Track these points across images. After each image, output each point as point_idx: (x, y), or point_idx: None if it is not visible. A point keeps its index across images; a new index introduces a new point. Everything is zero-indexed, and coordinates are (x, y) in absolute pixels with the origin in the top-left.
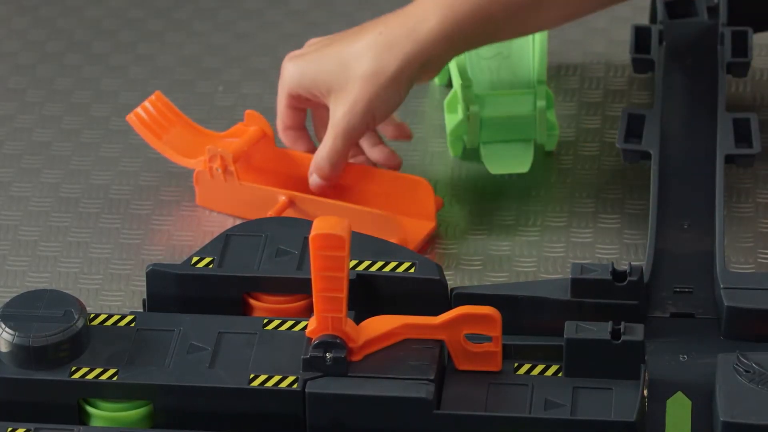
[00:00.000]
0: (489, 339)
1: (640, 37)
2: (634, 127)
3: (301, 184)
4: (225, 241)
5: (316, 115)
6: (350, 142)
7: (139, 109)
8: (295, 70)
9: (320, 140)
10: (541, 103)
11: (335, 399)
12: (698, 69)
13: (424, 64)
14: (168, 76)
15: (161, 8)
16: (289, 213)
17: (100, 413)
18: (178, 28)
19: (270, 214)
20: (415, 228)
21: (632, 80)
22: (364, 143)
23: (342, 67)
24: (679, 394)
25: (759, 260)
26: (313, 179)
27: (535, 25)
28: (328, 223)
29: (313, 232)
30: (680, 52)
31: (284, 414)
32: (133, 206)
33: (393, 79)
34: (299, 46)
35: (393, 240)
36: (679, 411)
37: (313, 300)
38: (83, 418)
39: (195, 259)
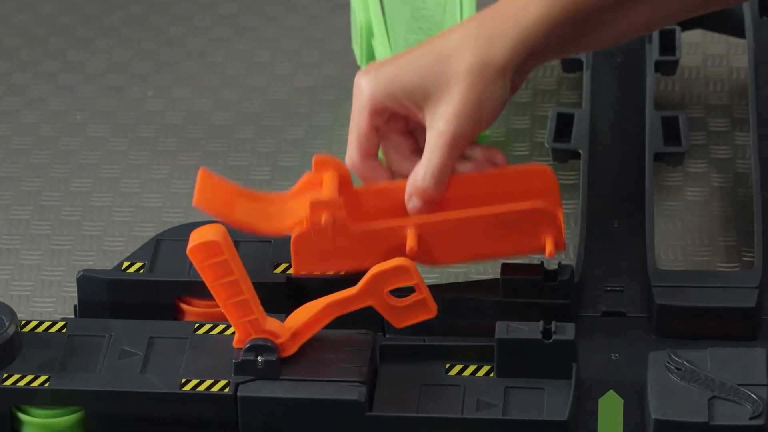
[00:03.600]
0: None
1: None
2: (563, 127)
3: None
4: (155, 246)
5: (390, 143)
6: (458, 152)
7: (198, 193)
8: (381, 80)
9: (398, 173)
10: None
11: (267, 402)
12: (627, 67)
13: (529, 56)
14: (98, 82)
15: (90, 14)
16: (424, 244)
17: (32, 420)
18: (107, 34)
19: (407, 254)
20: None
21: (561, 80)
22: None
23: (439, 66)
24: (611, 393)
25: (689, 258)
26: (413, 203)
27: (626, 24)
28: (199, 233)
29: (188, 248)
30: (609, 50)
31: (217, 418)
32: (63, 212)
33: (502, 70)
34: (228, 50)
35: (548, 236)
36: (611, 409)
37: (224, 312)
38: (15, 426)
39: (126, 264)
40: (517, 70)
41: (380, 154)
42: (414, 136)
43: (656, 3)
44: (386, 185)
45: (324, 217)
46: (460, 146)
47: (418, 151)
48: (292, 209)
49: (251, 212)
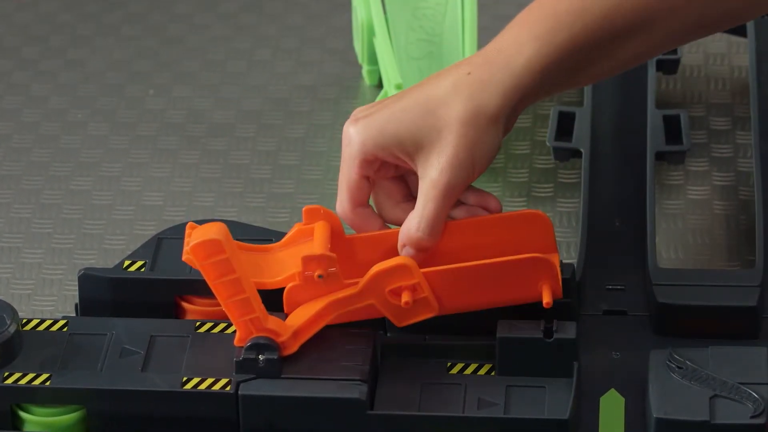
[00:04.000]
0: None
1: None
2: (564, 126)
3: None
4: (157, 245)
5: (381, 190)
6: (451, 201)
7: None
8: (370, 130)
9: (390, 220)
10: None
11: (268, 401)
12: None
13: (521, 99)
14: (98, 81)
15: (91, 13)
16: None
17: (34, 418)
18: (107, 32)
19: (402, 307)
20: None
21: None
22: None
23: (429, 115)
24: (612, 392)
25: (690, 256)
26: (407, 252)
27: (616, 60)
28: (200, 232)
29: (188, 247)
30: None
31: (218, 417)
32: (64, 211)
33: (494, 117)
34: (229, 49)
35: (546, 285)
36: (612, 408)
37: (225, 311)
38: (16, 424)
39: (127, 262)
40: (509, 113)
41: (371, 200)
42: (405, 180)
43: (647, 37)
44: (379, 233)
45: (317, 272)
46: (454, 195)
47: (410, 196)
48: (284, 261)
49: (242, 264)
